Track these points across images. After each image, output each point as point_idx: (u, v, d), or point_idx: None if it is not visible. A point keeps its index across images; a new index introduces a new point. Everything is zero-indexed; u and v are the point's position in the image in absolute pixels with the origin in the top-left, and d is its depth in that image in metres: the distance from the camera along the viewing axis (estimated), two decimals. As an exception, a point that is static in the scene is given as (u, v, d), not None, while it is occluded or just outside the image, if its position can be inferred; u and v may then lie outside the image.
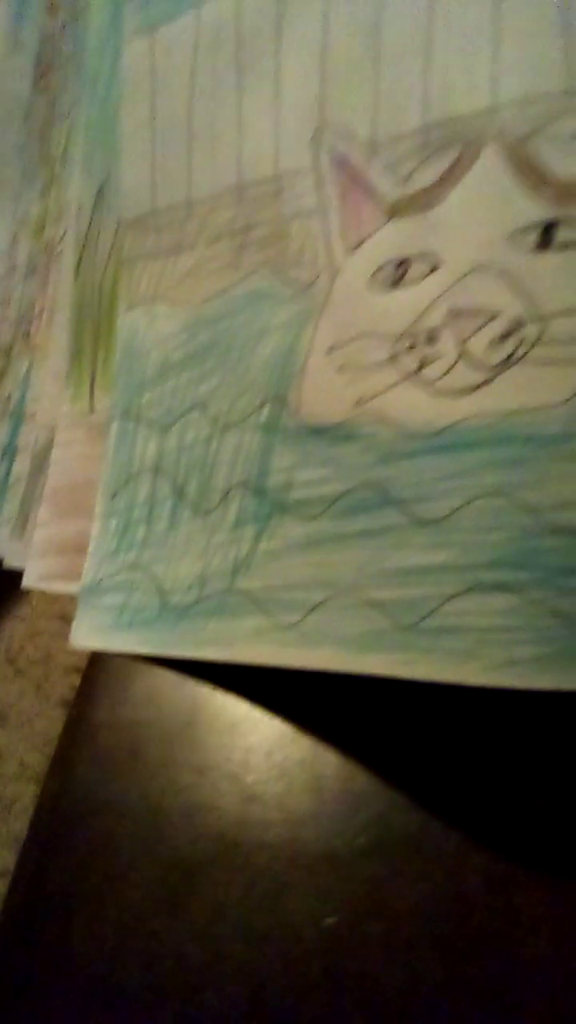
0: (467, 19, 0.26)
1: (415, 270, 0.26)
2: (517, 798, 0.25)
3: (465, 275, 0.25)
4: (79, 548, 0.34)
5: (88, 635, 0.32)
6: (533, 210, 0.24)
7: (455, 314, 0.25)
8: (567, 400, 0.23)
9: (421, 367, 0.25)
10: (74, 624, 0.32)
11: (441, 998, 0.23)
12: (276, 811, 0.27)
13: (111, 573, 0.32)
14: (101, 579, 0.32)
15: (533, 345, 0.24)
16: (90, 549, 0.33)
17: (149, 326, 0.33)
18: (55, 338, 0.37)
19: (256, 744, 0.28)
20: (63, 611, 0.46)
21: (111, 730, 0.30)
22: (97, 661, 0.32)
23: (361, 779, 0.27)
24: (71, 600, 0.32)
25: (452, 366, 0.25)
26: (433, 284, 0.26)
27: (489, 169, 0.25)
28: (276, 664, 0.27)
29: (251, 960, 0.25)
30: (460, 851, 0.25)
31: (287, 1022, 0.24)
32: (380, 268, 0.27)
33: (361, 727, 0.27)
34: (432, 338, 0.25)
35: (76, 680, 0.34)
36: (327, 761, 0.27)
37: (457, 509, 0.24)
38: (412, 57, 0.27)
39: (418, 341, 0.25)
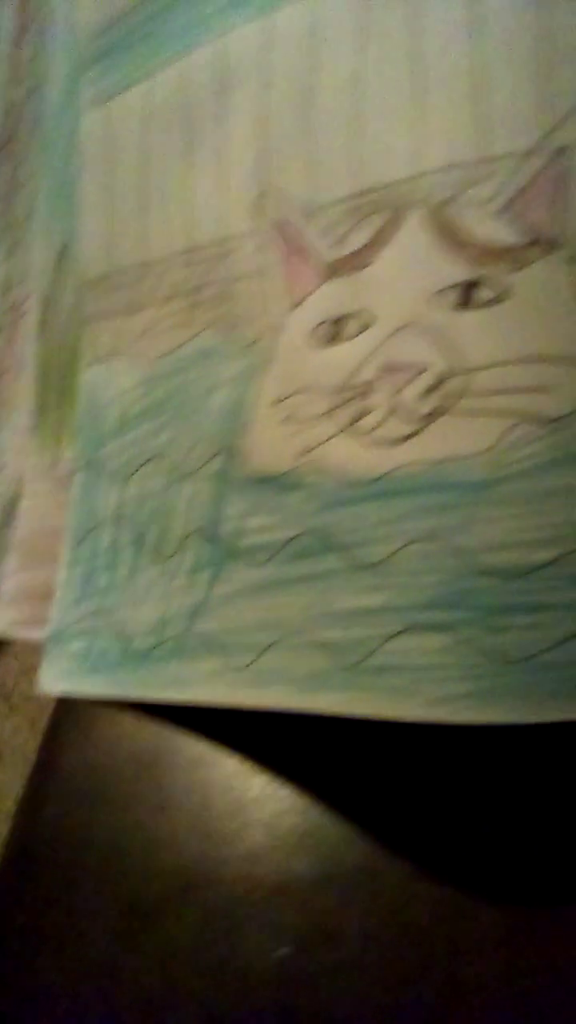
0: (391, 90, 0.27)
1: (350, 327, 0.28)
2: (462, 828, 0.26)
3: (395, 332, 0.26)
4: (47, 595, 0.35)
5: (54, 680, 0.33)
6: (455, 271, 0.26)
7: (387, 368, 0.26)
8: (490, 448, 0.25)
9: (357, 419, 0.27)
10: (41, 670, 0.33)
11: None
12: (232, 847, 0.28)
13: (76, 619, 0.33)
14: (66, 626, 0.33)
15: (459, 397, 0.25)
16: (56, 596, 0.34)
17: (109, 381, 0.34)
18: (21, 394, 0.39)
19: (214, 782, 0.29)
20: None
21: (77, 771, 0.31)
22: (64, 705, 0.33)
23: (314, 813, 0.28)
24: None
25: (385, 418, 0.26)
26: (367, 340, 0.27)
27: (414, 233, 0.27)
28: (231, 704, 0.28)
29: (206, 992, 0.26)
30: (408, 881, 0.26)
31: (242, 1051, 0.25)
32: (319, 325, 0.28)
33: (314, 764, 0.28)
34: (367, 391, 0.27)
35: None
36: (282, 796, 0.28)
37: (393, 553, 0.25)
38: (342, 127, 0.28)
39: (354, 394, 0.27)
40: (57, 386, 0.37)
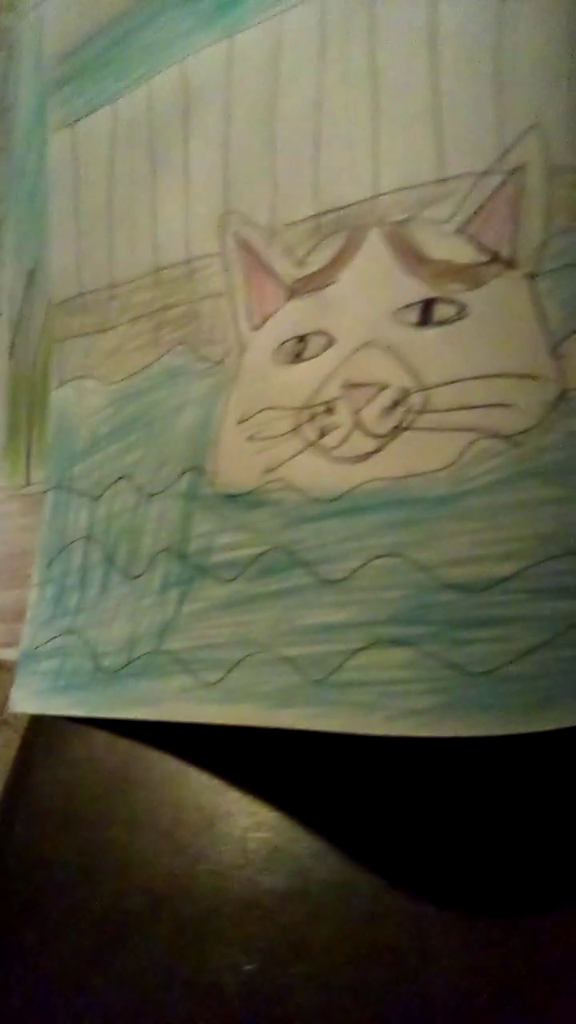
0: (350, 112, 0.28)
1: (313, 346, 0.28)
2: (431, 843, 0.26)
3: (357, 350, 0.27)
4: (19, 616, 0.35)
5: (26, 700, 0.33)
6: (413, 289, 0.26)
7: (349, 386, 0.27)
8: (451, 464, 0.25)
9: (321, 436, 0.27)
10: (12, 690, 0.33)
11: (357, 1037, 0.24)
12: (203, 863, 0.28)
13: (47, 639, 0.33)
14: (38, 645, 0.33)
15: (419, 414, 0.25)
16: (27, 616, 0.34)
17: (79, 401, 0.35)
18: (-8, 415, 0.39)
19: (185, 798, 0.29)
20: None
21: (48, 791, 0.31)
22: (36, 725, 0.33)
23: (284, 829, 0.28)
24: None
25: (348, 435, 0.26)
26: (329, 359, 0.27)
27: (373, 253, 0.27)
28: (201, 721, 0.28)
29: (176, 1008, 0.26)
30: (377, 895, 0.26)
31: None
32: (282, 344, 0.29)
33: (284, 780, 0.29)
34: (329, 409, 0.27)
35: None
36: (252, 812, 0.29)
37: (357, 569, 0.26)
38: (303, 149, 0.29)
39: (317, 412, 0.27)
40: (27, 407, 0.37)
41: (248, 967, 0.25)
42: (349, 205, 0.28)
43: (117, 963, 0.27)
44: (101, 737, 0.31)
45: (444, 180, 0.26)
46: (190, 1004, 0.25)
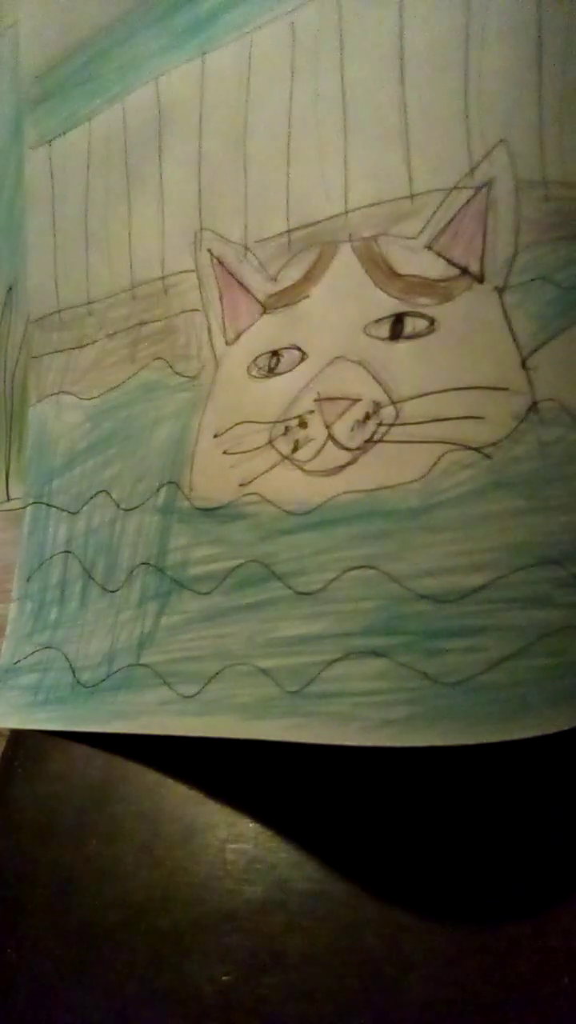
0: (320, 129, 0.28)
1: (286, 360, 0.28)
2: (409, 851, 0.27)
3: (328, 364, 0.27)
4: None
5: (6, 714, 0.33)
6: (384, 304, 0.27)
7: (321, 400, 0.27)
8: (423, 476, 0.25)
9: (295, 450, 0.27)
10: (-8, 704, 0.33)
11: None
12: (181, 874, 0.28)
13: (27, 653, 0.33)
14: (17, 660, 0.33)
15: (391, 426, 0.26)
16: (7, 631, 0.34)
17: (57, 417, 0.35)
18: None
19: (163, 812, 0.30)
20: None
21: (27, 804, 0.31)
22: (15, 739, 0.33)
23: (262, 840, 0.28)
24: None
25: (321, 448, 0.27)
26: (302, 373, 0.28)
27: (344, 268, 0.27)
28: (179, 733, 0.28)
29: (155, 1020, 0.26)
30: (355, 904, 0.26)
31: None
32: (256, 359, 0.29)
33: (262, 790, 0.29)
34: (303, 423, 0.27)
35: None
36: (231, 823, 0.29)
37: (331, 581, 0.26)
38: (274, 166, 0.29)
39: (291, 426, 0.27)
40: (6, 424, 0.37)
41: (226, 977, 0.25)
42: (320, 221, 0.28)
43: (95, 976, 0.27)
44: (80, 751, 0.31)
45: (413, 196, 0.26)
46: (169, 1015, 0.25)
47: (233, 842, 0.28)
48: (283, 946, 0.26)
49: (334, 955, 0.25)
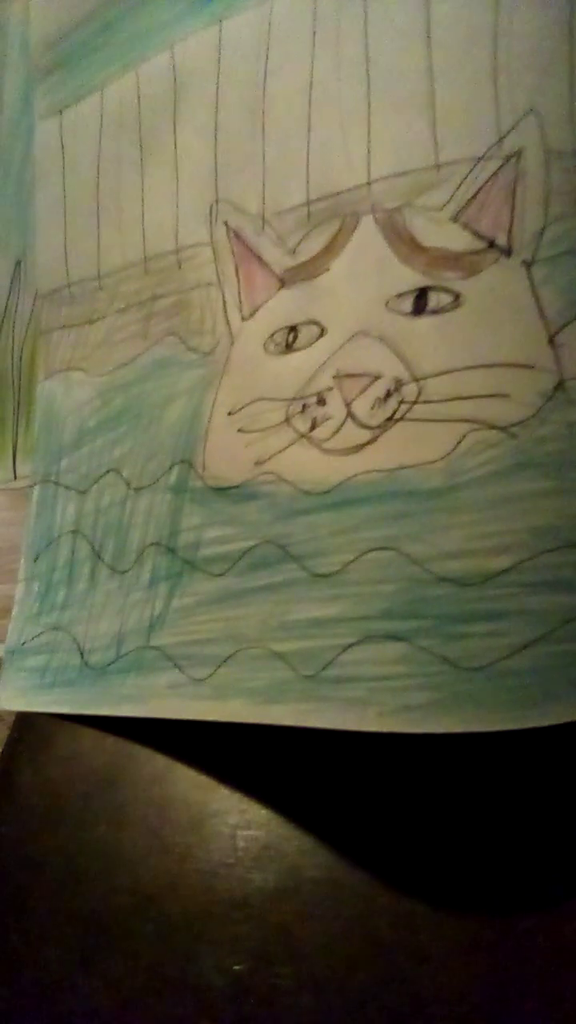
0: (342, 98, 0.27)
1: (304, 336, 0.27)
2: (423, 840, 0.26)
3: (348, 340, 0.26)
4: (5, 611, 0.34)
5: (12, 697, 0.33)
6: (407, 278, 0.26)
7: (341, 377, 0.26)
8: (446, 455, 0.24)
9: (312, 428, 0.27)
10: (-2, 686, 0.33)
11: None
12: (191, 861, 0.28)
13: (34, 635, 0.33)
14: (24, 641, 0.33)
15: (412, 404, 0.25)
16: (14, 612, 0.34)
17: (66, 394, 0.34)
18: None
19: (173, 797, 0.29)
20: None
21: (34, 789, 0.31)
22: (22, 722, 0.33)
23: (273, 827, 0.28)
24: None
25: (340, 426, 0.26)
26: (321, 349, 0.27)
27: (366, 241, 0.27)
28: (190, 717, 0.27)
29: (164, 1010, 0.25)
30: (368, 893, 0.26)
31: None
32: (273, 335, 0.28)
33: (274, 777, 0.28)
34: (321, 400, 0.26)
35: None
36: (241, 810, 0.28)
37: (349, 563, 0.25)
38: (294, 136, 0.28)
39: (309, 403, 0.27)
40: (14, 401, 0.37)
41: (237, 967, 0.25)
42: (341, 192, 0.27)
43: (103, 963, 0.26)
44: (88, 734, 0.31)
45: (439, 166, 0.26)
46: (178, 1005, 0.25)
47: (244, 829, 0.27)
48: (296, 935, 0.25)
49: (347, 945, 0.25)
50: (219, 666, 0.27)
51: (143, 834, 0.28)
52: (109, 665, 0.30)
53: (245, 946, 0.25)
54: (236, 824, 0.28)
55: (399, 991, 0.24)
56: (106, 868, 0.28)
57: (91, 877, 0.28)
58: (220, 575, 0.28)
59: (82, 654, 0.31)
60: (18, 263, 0.37)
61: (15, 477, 0.36)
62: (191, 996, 0.25)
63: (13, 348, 0.37)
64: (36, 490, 0.34)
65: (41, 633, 0.32)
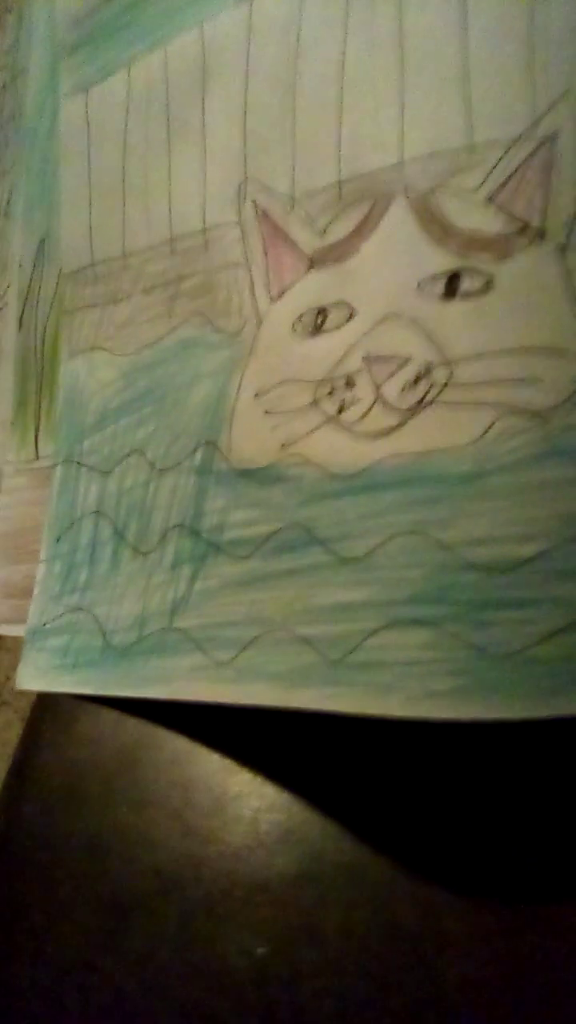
0: (374, 77, 0.27)
1: (333, 318, 0.27)
2: (446, 826, 0.26)
3: (378, 323, 0.26)
4: (25, 592, 0.34)
5: (33, 677, 0.32)
6: (439, 260, 0.26)
7: (370, 360, 0.26)
8: (475, 440, 0.24)
9: (340, 411, 0.26)
10: (19, 667, 0.33)
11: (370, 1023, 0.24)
12: (213, 844, 0.28)
13: (55, 616, 0.33)
14: (45, 622, 0.33)
15: (443, 388, 0.25)
16: (35, 593, 0.34)
17: (89, 374, 0.34)
18: (1, 386, 0.38)
19: (195, 779, 0.29)
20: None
21: (56, 769, 0.31)
22: (43, 703, 0.33)
23: (296, 811, 0.28)
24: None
25: (369, 409, 0.26)
26: (350, 331, 0.27)
27: (397, 222, 0.26)
28: (212, 701, 0.27)
29: (185, 992, 0.25)
30: (391, 879, 0.26)
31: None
32: (301, 316, 0.28)
33: (296, 761, 0.28)
34: (350, 383, 0.26)
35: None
36: (263, 794, 0.28)
37: (376, 547, 0.25)
38: (325, 115, 0.28)
39: (337, 386, 0.26)
40: (36, 380, 0.36)
41: (260, 950, 0.25)
42: (373, 172, 0.27)
43: (125, 945, 0.26)
44: (109, 716, 0.31)
45: (473, 147, 0.25)
46: (200, 988, 0.25)
47: (266, 812, 0.27)
48: (318, 920, 0.25)
49: (370, 930, 0.25)
50: (243, 649, 0.27)
51: (165, 816, 0.28)
52: (131, 647, 0.30)
53: (267, 930, 0.25)
54: (258, 807, 0.28)
55: (421, 976, 0.24)
56: (128, 850, 0.28)
57: (113, 859, 0.28)
58: (245, 558, 0.28)
59: (104, 635, 0.31)
60: (42, 241, 0.36)
61: (37, 457, 0.35)
62: (213, 979, 0.25)
63: (36, 327, 0.36)
64: (59, 470, 0.34)
65: (63, 614, 0.32)
